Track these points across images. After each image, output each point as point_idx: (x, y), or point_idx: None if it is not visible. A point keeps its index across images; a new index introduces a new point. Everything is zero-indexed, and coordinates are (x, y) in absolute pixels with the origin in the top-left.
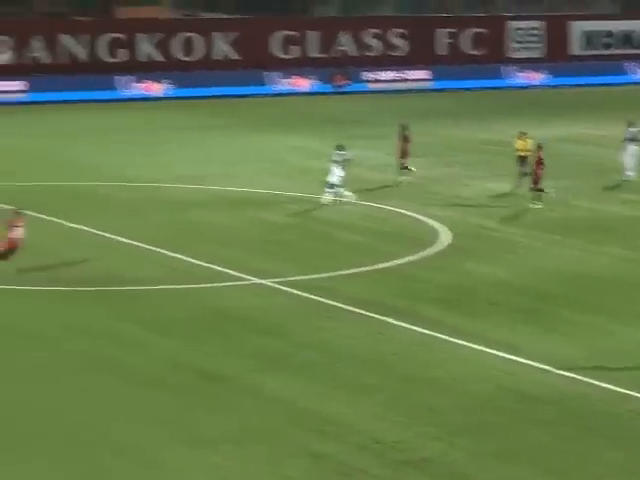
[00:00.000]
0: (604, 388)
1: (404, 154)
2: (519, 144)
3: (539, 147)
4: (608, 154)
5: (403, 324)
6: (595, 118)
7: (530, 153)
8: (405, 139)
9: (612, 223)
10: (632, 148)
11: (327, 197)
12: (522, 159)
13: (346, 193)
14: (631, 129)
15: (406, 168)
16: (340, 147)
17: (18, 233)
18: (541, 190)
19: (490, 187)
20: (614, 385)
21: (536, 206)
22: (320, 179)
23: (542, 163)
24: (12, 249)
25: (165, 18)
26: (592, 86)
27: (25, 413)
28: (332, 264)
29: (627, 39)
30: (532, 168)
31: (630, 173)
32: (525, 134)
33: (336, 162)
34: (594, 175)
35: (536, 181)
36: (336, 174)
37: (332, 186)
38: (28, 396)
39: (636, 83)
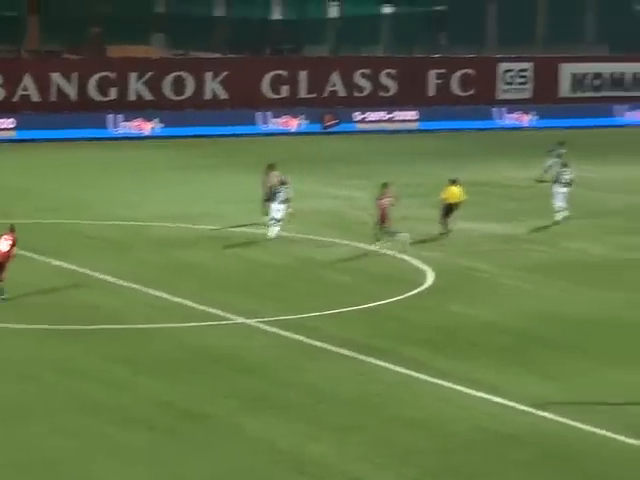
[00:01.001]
0: (583, 429)
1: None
2: (452, 191)
3: (386, 186)
4: (595, 196)
5: (387, 365)
6: (584, 160)
7: (460, 200)
8: (271, 176)
9: (597, 264)
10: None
11: (272, 231)
12: (451, 206)
13: (275, 229)
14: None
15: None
16: (282, 184)
17: (4, 246)
18: (387, 231)
19: (476, 228)
20: (593, 427)
21: (376, 247)
22: (307, 219)
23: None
24: None
25: (156, 57)
26: (580, 128)
27: (7, 449)
28: (317, 304)
29: (616, 81)
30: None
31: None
32: (455, 181)
33: (278, 198)
34: (581, 216)
35: (384, 220)
36: (277, 209)
37: (275, 220)
38: (11, 433)
39: (624, 126)
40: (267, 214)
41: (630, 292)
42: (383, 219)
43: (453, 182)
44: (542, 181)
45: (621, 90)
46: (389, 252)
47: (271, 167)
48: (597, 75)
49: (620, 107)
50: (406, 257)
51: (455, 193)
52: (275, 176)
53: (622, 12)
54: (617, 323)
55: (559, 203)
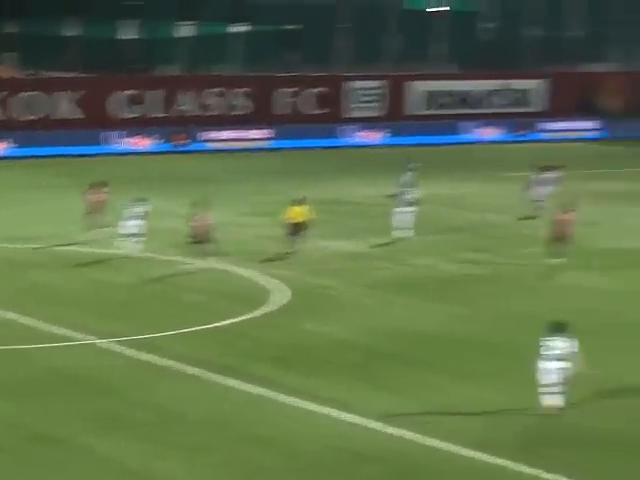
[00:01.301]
0: (429, 445)
1: (96, 208)
2: (295, 211)
3: (202, 205)
4: (442, 213)
5: (236, 383)
6: (432, 177)
7: (302, 219)
8: (99, 192)
9: (444, 280)
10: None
11: (125, 246)
12: (297, 226)
13: (128, 244)
14: None
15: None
16: (140, 200)
17: None
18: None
19: (326, 245)
20: (440, 441)
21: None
22: (156, 238)
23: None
24: None
25: (7, 77)
26: (430, 145)
27: None
28: (167, 323)
29: (463, 99)
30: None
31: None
32: (298, 201)
33: (133, 214)
34: (428, 233)
35: (200, 237)
36: (134, 224)
37: (131, 236)
38: None
39: (471, 143)
40: (90, 229)
41: (476, 307)
42: (201, 236)
43: (297, 202)
44: (392, 196)
45: (469, 108)
46: (238, 270)
47: (102, 184)
48: (446, 93)
49: (468, 124)
50: (258, 274)
51: (298, 213)
52: (104, 192)
53: (470, 31)
54: (463, 338)
55: (399, 223)
